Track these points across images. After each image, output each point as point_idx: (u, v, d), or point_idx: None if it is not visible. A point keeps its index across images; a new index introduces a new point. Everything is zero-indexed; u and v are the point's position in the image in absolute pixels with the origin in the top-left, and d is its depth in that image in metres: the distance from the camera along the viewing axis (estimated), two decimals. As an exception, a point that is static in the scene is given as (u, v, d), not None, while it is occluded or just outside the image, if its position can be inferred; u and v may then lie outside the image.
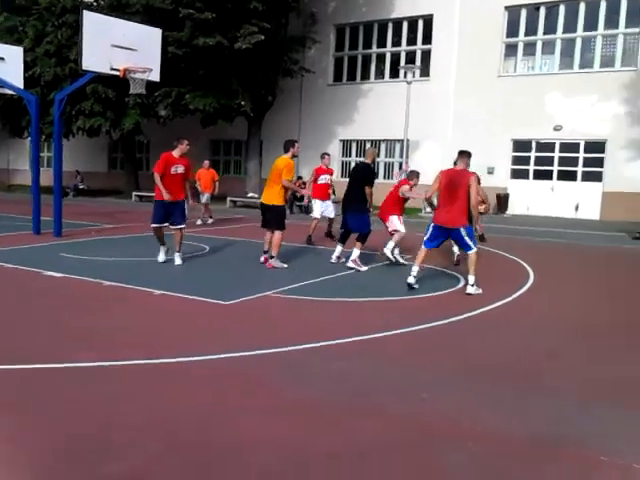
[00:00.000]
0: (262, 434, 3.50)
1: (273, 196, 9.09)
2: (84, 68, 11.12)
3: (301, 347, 5.19)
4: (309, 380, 4.45)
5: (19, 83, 14.06)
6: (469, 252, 7.59)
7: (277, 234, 9.10)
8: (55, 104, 12.98)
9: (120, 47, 10.99)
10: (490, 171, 20.82)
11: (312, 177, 12.13)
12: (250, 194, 22.93)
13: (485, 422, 3.76)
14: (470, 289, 7.53)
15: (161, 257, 9.22)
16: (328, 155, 12.52)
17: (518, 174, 20.94)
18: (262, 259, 9.40)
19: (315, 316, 6.52)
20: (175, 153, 9.16)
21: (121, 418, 3.67)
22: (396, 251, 9.73)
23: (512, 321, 6.49)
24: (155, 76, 11.82)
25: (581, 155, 19.73)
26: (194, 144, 27.71)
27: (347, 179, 9.76)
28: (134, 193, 24.85)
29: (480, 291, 7.55)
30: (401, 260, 9.69)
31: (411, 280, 7.64)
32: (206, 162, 16.44)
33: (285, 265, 9.19)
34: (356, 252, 9.07)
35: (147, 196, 21.66)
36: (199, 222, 15.36)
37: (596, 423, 3.83)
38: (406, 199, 9.83)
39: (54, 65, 22.68)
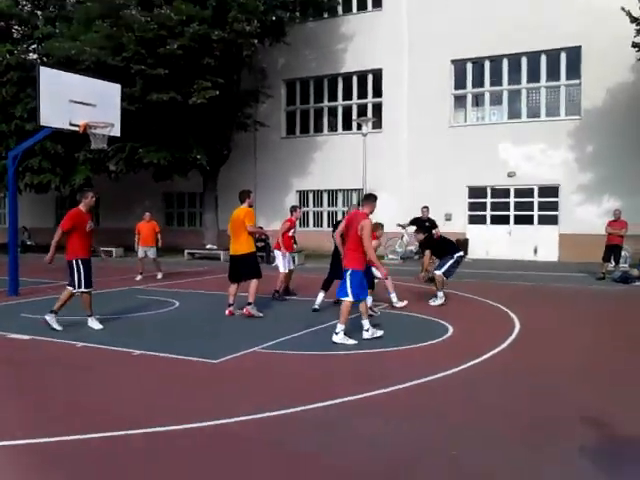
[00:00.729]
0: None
1: (241, 245, 9.11)
2: (42, 124, 10.77)
3: (313, 406, 4.87)
4: (335, 442, 4.14)
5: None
6: (341, 297, 7.28)
7: (253, 282, 9.05)
8: (9, 160, 12.50)
9: (79, 102, 10.71)
10: (448, 217, 21.14)
11: (285, 229, 11.38)
12: (209, 246, 22.54)
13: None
14: (336, 337, 7.11)
15: (97, 325, 8.16)
16: (299, 208, 12.33)
17: (476, 219, 21.28)
18: (227, 312, 9.18)
19: (312, 371, 6.21)
20: (83, 208, 8.30)
21: None
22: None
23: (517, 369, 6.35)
24: (116, 131, 11.60)
25: (536, 200, 20.25)
26: (146, 198, 27.41)
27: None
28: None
29: (352, 342, 7.08)
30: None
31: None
32: (147, 214, 15.62)
33: (261, 314, 9.06)
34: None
35: (104, 250, 20.87)
36: (138, 278, 14.41)
37: None
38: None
39: (0, 121, 22.03)
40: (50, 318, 7.99)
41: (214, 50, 18.29)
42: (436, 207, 20.63)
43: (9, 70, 22.12)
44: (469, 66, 21.22)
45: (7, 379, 5.79)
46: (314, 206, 23.88)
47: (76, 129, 10.85)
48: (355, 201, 21.53)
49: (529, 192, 20.29)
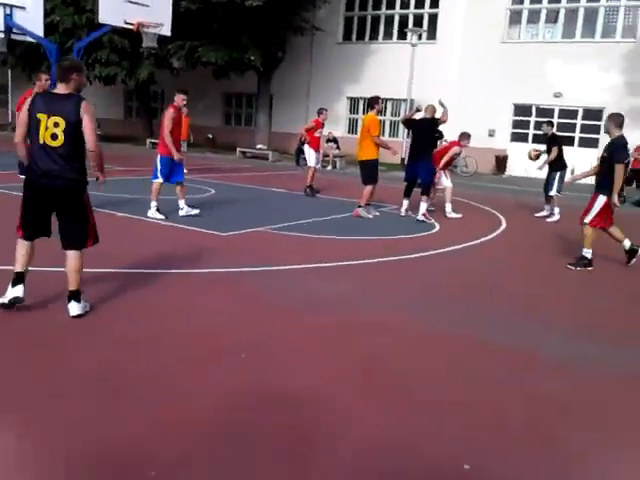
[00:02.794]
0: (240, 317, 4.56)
1: (362, 151, 9.68)
2: (100, 21, 11.96)
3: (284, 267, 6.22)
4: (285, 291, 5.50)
5: (39, 31, 14.77)
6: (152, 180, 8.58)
7: (368, 187, 9.63)
8: (74, 53, 13.83)
9: (133, 2, 11.78)
10: (491, 133, 21.63)
11: (311, 127, 12.42)
12: (259, 146, 23.77)
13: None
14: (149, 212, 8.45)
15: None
16: (326, 110, 13.05)
17: (518, 137, 21.60)
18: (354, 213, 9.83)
19: (296, 246, 7.53)
20: (36, 90, 7.85)
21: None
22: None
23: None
24: (166, 31, 12.64)
25: (579, 122, 20.36)
26: (207, 96, 28.55)
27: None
28: (148, 140, 25.70)
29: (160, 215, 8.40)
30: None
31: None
32: (184, 109, 16.44)
33: (370, 216, 9.73)
34: (424, 206, 9.71)
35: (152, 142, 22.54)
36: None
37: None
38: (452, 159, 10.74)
39: (72, 13, 23.28)
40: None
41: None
42: (480, 122, 21.14)
43: (82, -40, 23.12)
44: (529, -20, 20.87)
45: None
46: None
47: (130, 27, 12.02)
48: (403, 110, 22.13)
49: (573, 114, 20.37)
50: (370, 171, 9.70)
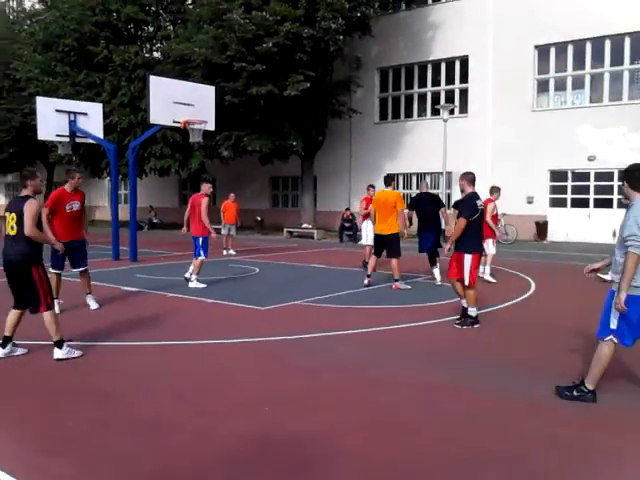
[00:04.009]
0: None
1: (388, 226, 10.20)
2: (151, 122, 13.38)
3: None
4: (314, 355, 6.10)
5: (99, 133, 16.38)
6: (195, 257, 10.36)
7: (394, 261, 10.20)
8: (129, 150, 15.31)
9: (180, 103, 13.15)
10: (530, 200, 22.05)
11: (364, 206, 12.70)
12: (304, 225, 24.84)
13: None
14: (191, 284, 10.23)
15: (57, 309, 6.97)
16: (373, 187, 13.31)
17: (556, 203, 21.91)
18: (365, 282, 10.38)
19: (326, 318, 8.15)
20: (67, 188, 8.15)
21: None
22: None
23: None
24: (210, 126, 13.92)
25: (615, 183, 20.57)
26: (255, 181, 30.19)
27: None
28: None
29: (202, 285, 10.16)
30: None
31: None
32: (231, 195, 17.54)
33: (409, 287, 10.30)
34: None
35: (215, 228, 23.83)
36: (224, 252, 16.29)
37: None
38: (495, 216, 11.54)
39: (128, 114, 25.43)
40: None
41: (305, 46, 20.34)
42: (518, 190, 21.69)
43: (136, 68, 25.46)
44: (552, 50, 21.74)
45: (122, 310, 8.23)
46: (404, 188, 25.38)
47: (178, 125, 13.35)
48: (442, 182, 22.90)
49: (609, 176, 20.64)
50: (398, 244, 10.25)
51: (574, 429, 4.20)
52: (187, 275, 10.56)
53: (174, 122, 13.26)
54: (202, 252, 10.26)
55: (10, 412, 4.50)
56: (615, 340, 4.51)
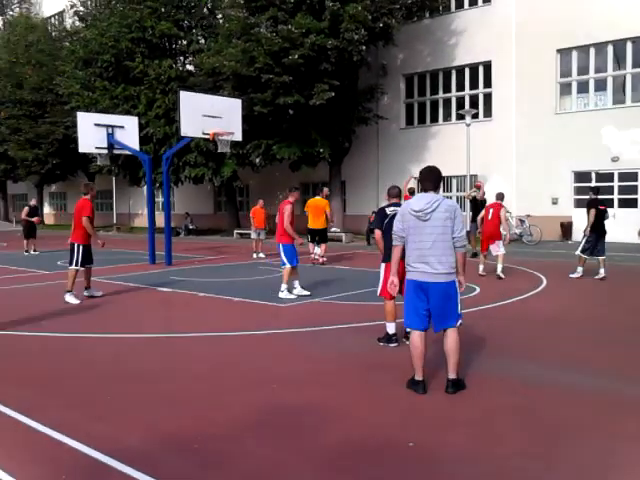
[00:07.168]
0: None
1: (321, 223, 11.22)
2: (182, 134, 14.26)
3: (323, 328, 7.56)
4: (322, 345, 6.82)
5: (135, 145, 17.35)
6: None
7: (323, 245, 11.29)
8: (163, 161, 16.28)
9: (209, 116, 14.01)
10: (554, 201, 22.37)
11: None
12: (333, 229, 25.49)
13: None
14: (281, 294, 9.73)
15: (73, 300, 9.46)
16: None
17: (581, 203, 22.10)
18: None
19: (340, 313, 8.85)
20: (90, 199, 9.96)
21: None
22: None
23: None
24: (237, 137, 14.75)
25: (639, 183, 20.77)
26: (286, 188, 31.04)
27: None
28: (235, 231, 28.23)
29: (293, 296, 9.71)
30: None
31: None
32: (260, 201, 18.46)
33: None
34: None
35: (245, 233, 24.75)
36: (254, 256, 17.36)
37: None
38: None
39: (163, 125, 26.58)
40: (68, 295, 9.60)
41: (329, 57, 21.09)
42: (542, 191, 22.04)
43: (170, 81, 26.65)
44: (574, 54, 22.04)
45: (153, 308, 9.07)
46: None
47: (207, 137, 14.22)
48: (468, 184, 23.30)
49: (633, 176, 20.84)
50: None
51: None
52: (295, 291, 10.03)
53: (203, 134, 14.12)
54: (286, 260, 9.66)
55: (63, 388, 5.33)
56: None
